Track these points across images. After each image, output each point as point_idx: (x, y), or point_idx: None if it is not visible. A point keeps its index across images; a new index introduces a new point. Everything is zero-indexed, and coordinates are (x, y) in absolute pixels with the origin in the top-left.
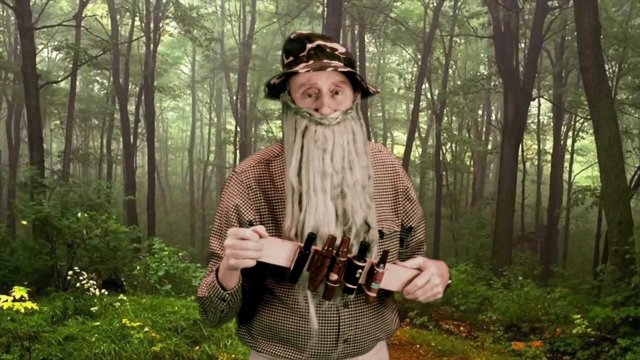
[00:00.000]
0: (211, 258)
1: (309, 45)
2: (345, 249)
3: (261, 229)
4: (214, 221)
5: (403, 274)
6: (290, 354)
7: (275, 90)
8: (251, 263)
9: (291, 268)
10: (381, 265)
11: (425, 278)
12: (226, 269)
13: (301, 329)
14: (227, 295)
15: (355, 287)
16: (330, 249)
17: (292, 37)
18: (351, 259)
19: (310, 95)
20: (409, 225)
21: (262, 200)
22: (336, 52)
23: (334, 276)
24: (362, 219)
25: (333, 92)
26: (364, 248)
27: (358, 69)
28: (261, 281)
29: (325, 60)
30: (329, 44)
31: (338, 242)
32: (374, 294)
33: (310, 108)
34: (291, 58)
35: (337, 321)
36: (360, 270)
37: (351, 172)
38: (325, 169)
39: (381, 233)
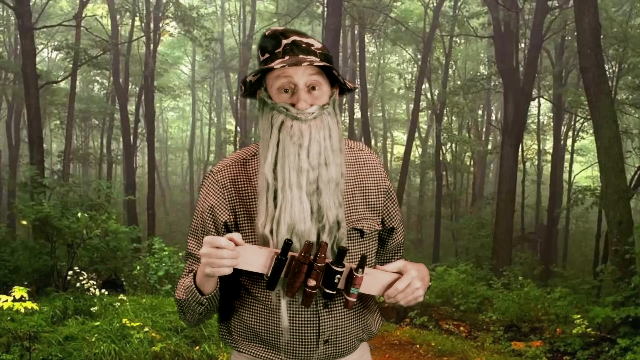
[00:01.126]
0: (188, 258)
1: (284, 41)
2: (323, 255)
3: (237, 236)
4: (192, 221)
5: (383, 278)
6: (271, 354)
7: (253, 88)
8: (227, 271)
9: (268, 275)
10: (360, 270)
11: (405, 282)
12: (203, 275)
13: (278, 328)
14: (204, 300)
15: (334, 292)
16: (307, 254)
17: (267, 33)
18: (329, 265)
19: (287, 91)
20: (391, 225)
21: (238, 200)
22: (312, 48)
23: (312, 282)
24: (335, 216)
25: (310, 87)
26: (342, 253)
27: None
28: (238, 280)
29: (301, 56)
30: (304, 40)
31: (315, 247)
32: (353, 299)
33: (286, 103)
34: (267, 55)
35: (317, 322)
36: (338, 276)
37: (326, 169)
38: (301, 164)
39: (361, 232)
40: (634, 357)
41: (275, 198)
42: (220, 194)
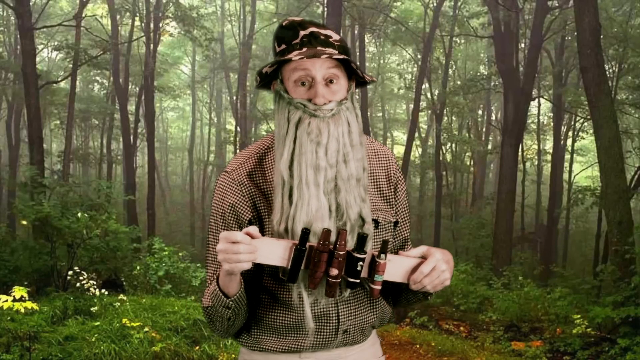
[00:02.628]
0: (211, 264)
1: (302, 33)
2: (343, 242)
3: (253, 229)
4: (210, 226)
5: (407, 263)
6: (289, 347)
7: (268, 79)
8: (246, 266)
9: (288, 267)
10: (382, 255)
11: (431, 264)
12: (224, 275)
13: (300, 326)
14: (230, 303)
15: (357, 280)
16: (326, 243)
17: (284, 24)
18: (350, 252)
19: (304, 84)
20: (395, 219)
21: (258, 195)
22: (330, 40)
23: (334, 271)
24: (357, 213)
25: (327, 80)
26: (362, 239)
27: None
28: (259, 280)
29: (319, 48)
30: (322, 31)
31: (334, 235)
32: (378, 287)
33: (303, 98)
34: (284, 46)
35: (336, 313)
36: (361, 263)
37: (346, 166)
38: (319, 162)
39: (377, 222)
40: (634, 357)
41: (290, 196)
42: (239, 191)
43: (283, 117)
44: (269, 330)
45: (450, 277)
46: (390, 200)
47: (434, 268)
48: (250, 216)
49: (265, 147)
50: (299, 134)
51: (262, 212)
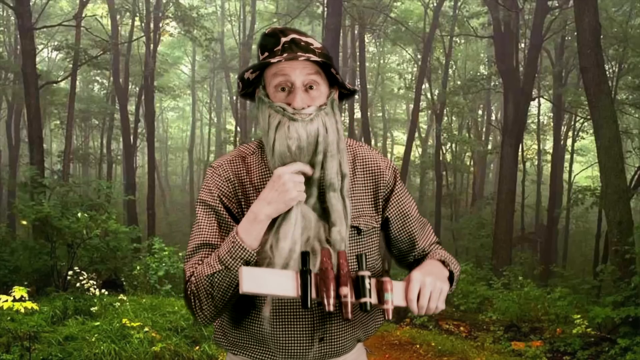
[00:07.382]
0: (201, 249)
1: (283, 39)
2: (343, 260)
3: (308, 169)
4: (197, 215)
5: (401, 286)
6: (266, 355)
7: (251, 87)
8: (301, 197)
9: (299, 293)
10: (384, 273)
11: (415, 287)
12: (268, 215)
13: (272, 327)
14: (253, 256)
15: (370, 299)
16: (327, 260)
17: (266, 32)
18: (356, 273)
19: (284, 90)
20: (379, 224)
21: (241, 193)
22: (311, 47)
23: (344, 290)
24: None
25: (307, 86)
26: (361, 257)
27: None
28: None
29: (299, 53)
30: (303, 38)
31: (334, 257)
32: (390, 306)
33: (283, 102)
34: (266, 53)
35: (311, 319)
36: (368, 280)
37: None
38: None
39: (358, 230)
40: (634, 357)
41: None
42: (225, 186)
43: (264, 122)
44: (243, 332)
45: (450, 283)
46: (378, 204)
47: (420, 288)
48: (235, 212)
49: (250, 151)
50: (278, 137)
51: (243, 209)
